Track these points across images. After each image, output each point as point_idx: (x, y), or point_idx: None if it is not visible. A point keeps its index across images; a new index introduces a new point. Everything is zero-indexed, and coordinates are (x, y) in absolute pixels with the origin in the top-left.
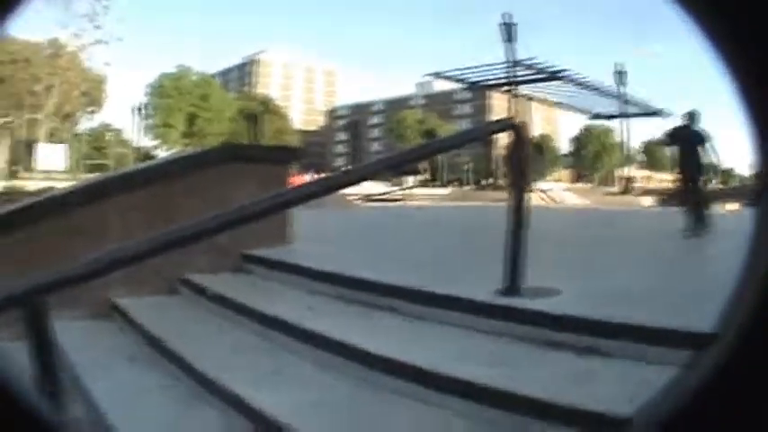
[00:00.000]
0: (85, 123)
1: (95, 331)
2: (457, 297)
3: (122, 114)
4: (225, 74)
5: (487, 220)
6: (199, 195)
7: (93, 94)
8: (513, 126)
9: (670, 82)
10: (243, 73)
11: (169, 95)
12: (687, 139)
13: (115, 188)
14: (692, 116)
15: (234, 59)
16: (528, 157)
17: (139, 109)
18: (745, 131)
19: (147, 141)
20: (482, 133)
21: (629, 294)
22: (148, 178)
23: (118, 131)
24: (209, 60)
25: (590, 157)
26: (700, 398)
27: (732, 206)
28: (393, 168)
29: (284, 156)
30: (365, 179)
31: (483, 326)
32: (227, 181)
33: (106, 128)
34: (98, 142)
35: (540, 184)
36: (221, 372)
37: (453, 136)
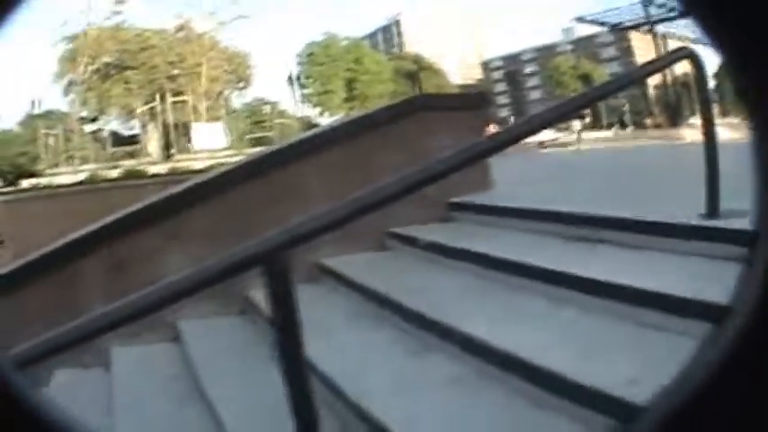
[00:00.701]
0: (238, 100)
1: (312, 293)
2: (665, 222)
3: (275, 87)
4: (371, 36)
5: (662, 157)
6: (393, 148)
7: (239, 71)
8: (690, 55)
9: None
10: (389, 34)
11: (321, 63)
12: None
13: (311, 149)
14: None
15: (377, 21)
16: (707, 84)
17: (297, 78)
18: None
19: (307, 110)
20: (663, 64)
21: None
22: (341, 136)
23: (274, 104)
24: (353, 25)
25: (730, 92)
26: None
27: None
28: (582, 108)
29: (474, 102)
30: (554, 123)
31: (692, 248)
32: (421, 131)
33: (261, 102)
34: (255, 117)
35: (692, 120)
36: (452, 318)
37: (635, 70)
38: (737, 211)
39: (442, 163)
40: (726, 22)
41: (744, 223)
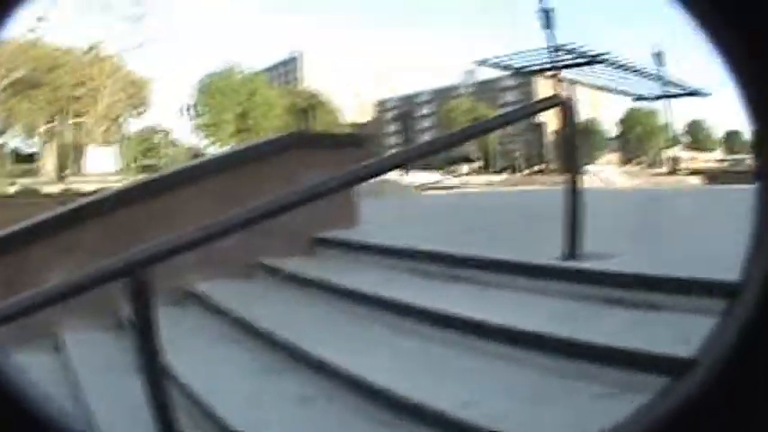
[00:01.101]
0: (133, 126)
1: (181, 316)
2: (519, 262)
3: (171, 115)
4: (271, 70)
5: (542, 201)
6: (270, 181)
7: (139, 97)
8: (561, 103)
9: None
10: (289, 68)
11: (217, 94)
12: None
13: (192, 177)
14: None
15: (280, 55)
16: (576, 132)
17: (188, 109)
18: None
19: (197, 140)
20: (530, 111)
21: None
22: (221, 166)
23: (167, 132)
24: (255, 57)
25: (636, 139)
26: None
27: None
28: (444, 149)
29: (350, 141)
30: (413, 160)
31: (549, 288)
32: (296, 166)
33: (154, 129)
34: (147, 144)
35: (591, 167)
36: (305, 343)
37: (502, 115)
38: (597, 254)
39: (296, 194)
40: (727, 20)
41: (597, 264)
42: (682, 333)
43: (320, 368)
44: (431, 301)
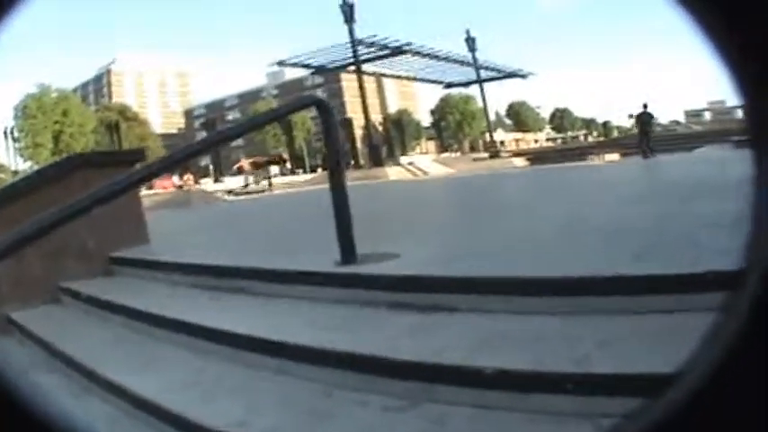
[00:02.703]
0: None
1: None
2: (297, 271)
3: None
4: (84, 87)
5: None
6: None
7: None
8: (317, 102)
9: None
10: (100, 84)
11: (33, 116)
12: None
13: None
14: (645, 105)
15: (90, 72)
16: (336, 132)
17: (9, 132)
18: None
19: (22, 164)
20: (286, 111)
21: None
22: (21, 191)
23: None
24: (69, 75)
25: (452, 126)
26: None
27: (611, 157)
28: (197, 155)
29: (130, 158)
30: (165, 171)
31: (324, 295)
32: (82, 187)
33: None
34: None
35: (404, 159)
36: (102, 364)
37: (259, 116)
38: (379, 255)
39: (54, 215)
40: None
41: (373, 269)
42: (473, 336)
43: (113, 389)
44: (212, 319)
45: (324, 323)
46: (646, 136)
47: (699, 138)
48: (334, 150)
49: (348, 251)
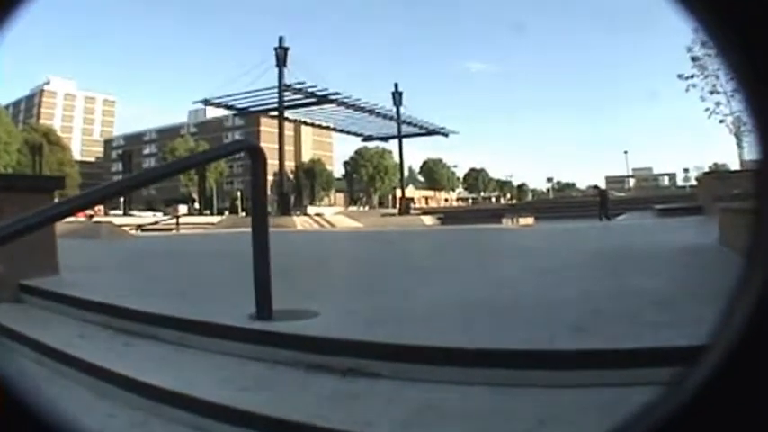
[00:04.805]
0: None
1: None
2: (212, 323)
3: None
4: (16, 104)
5: (245, 245)
6: None
7: None
8: (249, 147)
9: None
10: (31, 103)
11: None
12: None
13: None
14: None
15: (23, 90)
16: (264, 179)
17: None
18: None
19: None
20: (217, 154)
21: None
22: None
23: None
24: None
25: (365, 179)
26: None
27: (526, 220)
28: (130, 190)
29: (51, 186)
30: (100, 202)
31: (238, 350)
32: None
33: None
34: None
35: (312, 209)
36: None
37: (189, 157)
38: (296, 312)
39: None
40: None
41: (287, 327)
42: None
43: None
44: (119, 365)
45: (241, 383)
46: (603, 207)
47: (620, 203)
48: (262, 202)
49: (264, 306)
